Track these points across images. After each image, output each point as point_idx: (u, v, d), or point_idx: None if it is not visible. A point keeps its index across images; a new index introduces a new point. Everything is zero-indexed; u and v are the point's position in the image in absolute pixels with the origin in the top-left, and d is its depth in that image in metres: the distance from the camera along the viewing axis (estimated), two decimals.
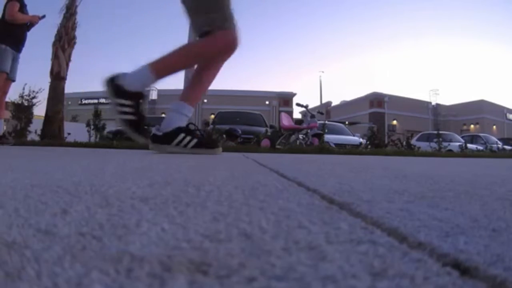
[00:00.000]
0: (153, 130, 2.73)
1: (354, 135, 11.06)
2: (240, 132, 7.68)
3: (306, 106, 7.77)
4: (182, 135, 2.69)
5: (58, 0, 9.46)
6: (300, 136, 6.96)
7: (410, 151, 6.64)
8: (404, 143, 8.35)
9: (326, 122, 9.56)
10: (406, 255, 0.34)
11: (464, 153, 7.21)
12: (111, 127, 8.97)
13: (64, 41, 9.05)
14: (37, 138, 7.96)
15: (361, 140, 9.85)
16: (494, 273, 0.29)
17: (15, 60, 5.09)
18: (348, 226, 0.45)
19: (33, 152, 2.95)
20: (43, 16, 5.26)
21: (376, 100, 32.86)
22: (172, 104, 2.81)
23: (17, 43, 5.07)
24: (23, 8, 5.10)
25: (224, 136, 6.96)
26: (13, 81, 5.22)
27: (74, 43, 9.34)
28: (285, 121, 7.26)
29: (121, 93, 2.51)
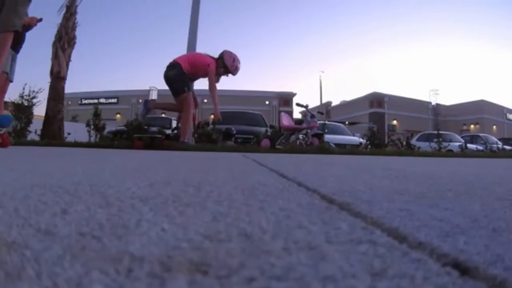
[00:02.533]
0: None
1: (354, 135, 11.05)
2: (234, 130, 7.69)
3: (306, 106, 7.78)
4: None
5: (58, 0, 9.47)
6: (300, 136, 6.95)
7: (410, 151, 6.64)
8: (404, 143, 8.34)
9: (326, 122, 9.55)
10: (406, 255, 0.34)
11: (464, 153, 7.21)
12: (111, 127, 8.97)
13: (64, 41, 9.05)
14: (37, 138, 7.95)
15: (361, 140, 9.84)
16: (494, 273, 0.29)
17: (13, 61, 5.09)
18: (348, 226, 0.45)
19: (33, 152, 2.95)
20: (41, 19, 5.27)
21: (376, 100, 32.87)
22: None
23: (15, 44, 5.07)
24: None
25: (221, 136, 6.97)
26: (11, 81, 5.22)
27: (74, 43, 9.33)
28: (285, 121, 7.26)
29: None
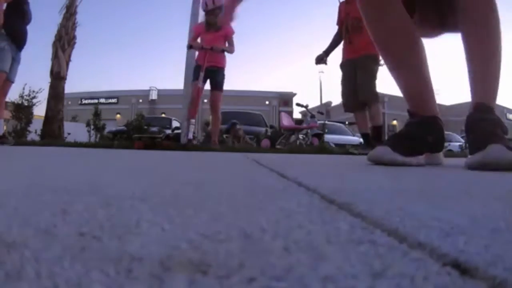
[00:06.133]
0: None
1: (354, 135, 11.04)
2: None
3: (306, 106, 7.78)
4: None
5: (58, 0, 9.48)
6: (300, 136, 6.96)
7: None
8: None
9: (326, 122, 9.56)
10: (406, 255, 0.34)
11: (464, 153, 7.21)
12: (111, 127, 8.99)
13: (64, 41, 9.06)
14: (37, 138, 7.96)
15: (361, 140, 9.85)
16: (494, 273, 0.29)
17: (14, 60, 5.06)
18: (348, 226, 0.45)
19: (33, 152, 2.95)
20: None
21: None
22: None
23: (17, 41, 5.00)
24: (23, 3, 5.01)
25: (225, 136, 6.98)
26: (12, 82, 5.19)
27: (74, 43, 9.35)
28: (285, 121, 7.26)
29: None
